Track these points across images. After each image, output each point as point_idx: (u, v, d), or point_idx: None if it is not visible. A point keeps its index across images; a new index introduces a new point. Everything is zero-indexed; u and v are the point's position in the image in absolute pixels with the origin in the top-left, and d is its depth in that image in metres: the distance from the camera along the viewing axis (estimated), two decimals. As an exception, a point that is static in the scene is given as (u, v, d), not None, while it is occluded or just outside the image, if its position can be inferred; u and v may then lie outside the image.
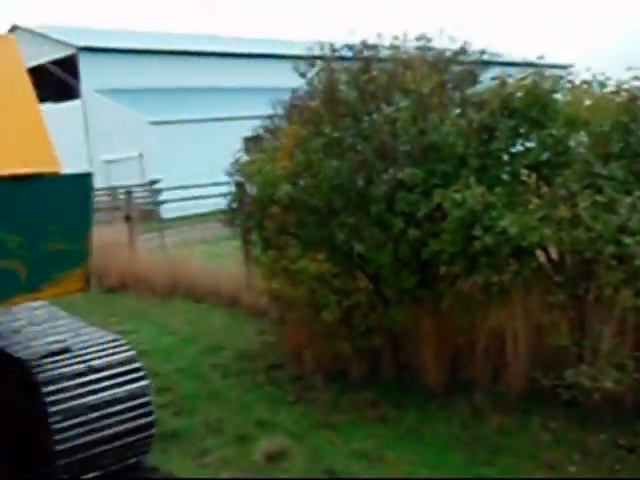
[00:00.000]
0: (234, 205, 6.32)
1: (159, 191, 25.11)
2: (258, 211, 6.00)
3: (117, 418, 4.24)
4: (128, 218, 11.54)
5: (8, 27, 36.13)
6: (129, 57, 31.81)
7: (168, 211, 23.79)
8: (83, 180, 3.84)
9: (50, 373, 4.21)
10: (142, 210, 22.47)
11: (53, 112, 33.01)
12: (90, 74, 31.15)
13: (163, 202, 24.52)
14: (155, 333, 8.08)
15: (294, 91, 6.48)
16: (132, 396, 4.35)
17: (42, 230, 3.56)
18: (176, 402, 5.71)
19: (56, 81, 32.51)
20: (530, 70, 5.13)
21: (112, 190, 22.38)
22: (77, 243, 3.75)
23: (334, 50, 5.90)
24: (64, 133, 31.77)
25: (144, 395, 4.41)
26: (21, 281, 3.59)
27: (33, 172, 3.46)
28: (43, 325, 5.06)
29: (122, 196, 13.89)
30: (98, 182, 28.72)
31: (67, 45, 31.60)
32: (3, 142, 3.50)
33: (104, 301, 10.10)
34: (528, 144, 5.07)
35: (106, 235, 11.58)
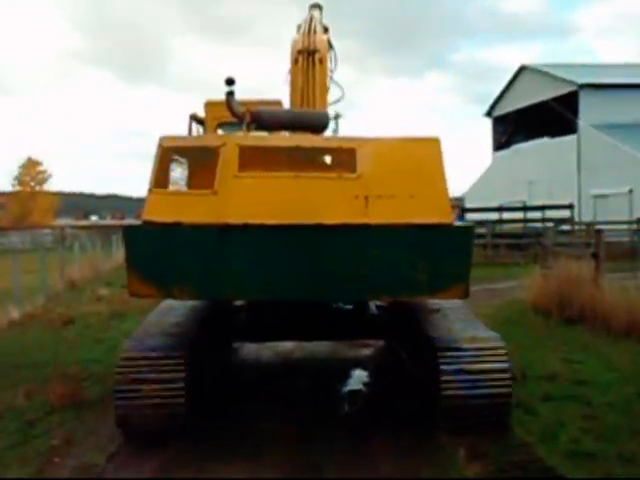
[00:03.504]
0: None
1: (646, 230, 24.26)
2: None
3: (483, 383, 5.96)
4: (595, 255, 12.01)
5: (517, 67, 39.29)
6: (628, 92, 31.32)
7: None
8: (467, 230, 5.91)
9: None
10: (625, 248, 22.21)
11: (549, 146, 34.77)
12: (588, 110, 31.78)
13: (647, 241, 23.60)
14: (599, 367, 8.49)
15: None
16: (496, 370, 6.05)
17: (441, 257, 5.50)
18: (598, 430, 6.18)
19: (555, 117, 34.03)
20: None
21: (587, 226, 22.61)
22: (461, 268, 5.66)
23: None
24: (557, 166, 33.21)
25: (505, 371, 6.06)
26: (425, 286, 5.67)
27: (437, 222, 5.58)
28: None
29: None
30: (584, 216, 29.19)
31: (569, 82, 32.83)
32: (422, 204, 5.58)
33: (560, 329, 10.85)
34: None
35: (573, 269, 12.28)
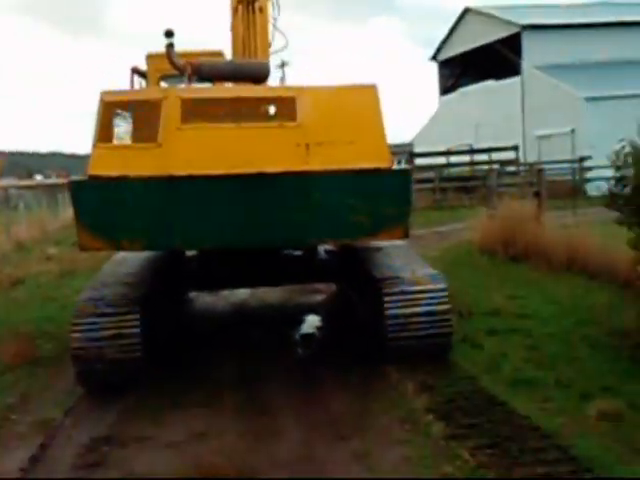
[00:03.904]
0: (615, 189, 6.71)
1: (588, 169, 24.97)
2: (636, 197, 6.32)
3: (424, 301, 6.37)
4: (537, 194, 12.38)
5: (461, 9, 39.06)
6: (570, 32, 31.63)
7: (596, 189, 23.55)
8: (405, 173, 6.28)
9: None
10: (567, 187, 22.84)
11: (494, 88, 35.05)
12: (531, 51, 32.08)
13: (588, 180, 24.36)
14: (540, 301, 8.89)
15: None
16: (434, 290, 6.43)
17: (380, 200, 5.71)
18: (538, 359, 6.52)
19: (500, 59, 34.24)
20: None
21: (530, 166, 23.15)
22: (401, 209, 5.80)
23: None
24: (502, 108, 33.58)
25: (443, 290, 6.44)
26: (366, 228, 5.91)
27: (376, 167, 5.79)
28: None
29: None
30: (529, 156, 29.77)
31: (512, 24, 32.97)
32: (361, 150, 5.77)
33: (505, 267, 11.24)
34: None
35: (516, 208, 12.65)
